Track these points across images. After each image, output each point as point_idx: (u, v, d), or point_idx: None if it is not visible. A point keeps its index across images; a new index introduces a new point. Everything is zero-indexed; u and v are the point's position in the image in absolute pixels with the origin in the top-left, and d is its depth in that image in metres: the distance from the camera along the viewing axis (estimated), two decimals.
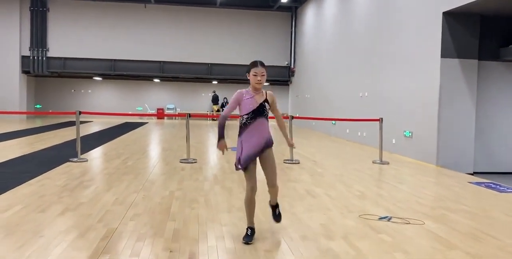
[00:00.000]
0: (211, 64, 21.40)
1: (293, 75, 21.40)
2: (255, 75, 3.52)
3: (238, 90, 3.60)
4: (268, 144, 3.59)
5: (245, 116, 3.51)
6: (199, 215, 4.36)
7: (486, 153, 8.68)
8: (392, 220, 4.34)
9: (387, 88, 10.46)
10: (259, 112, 3.53)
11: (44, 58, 20.36)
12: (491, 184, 6.49)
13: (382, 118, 8.64)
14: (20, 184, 5.61)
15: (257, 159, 3.59)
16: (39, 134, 12.92)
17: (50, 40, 20.62)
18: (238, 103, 3.54)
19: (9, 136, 11.97)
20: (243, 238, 3.53)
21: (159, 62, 21.10)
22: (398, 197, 5.45)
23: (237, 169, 3.61)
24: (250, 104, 3.51)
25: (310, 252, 3.36)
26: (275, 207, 3.83)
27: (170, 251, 3.31)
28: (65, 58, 20.64)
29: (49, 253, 3.18)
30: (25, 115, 21.39)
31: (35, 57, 20.26)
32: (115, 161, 7.92)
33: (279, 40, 22.00)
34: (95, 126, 17.28)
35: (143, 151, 9.48)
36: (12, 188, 5.38)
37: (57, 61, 20.62)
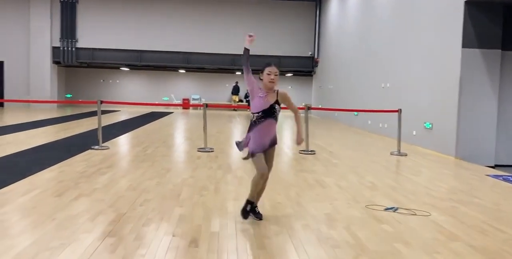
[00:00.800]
0: (234, 55, 21.45)
1: (316, 66, 21.22)
2: (269, 74, 3.67)
3: (256, 81, 3.77)
4: (273, 143, 3.82)
5: (256, 115, 3.70)
6: (206, 202, 4.47)
7: (509, 145, 8.45)
8: (399, 211, 4.32)
9: (408, 79, 10.28)
10: (269, 113, 3.69)
11: (73, 49, 20.91)
12: (509, 177, 6.34)
13: (400, 109, 8.52)
14: (42, 170, 5.86)
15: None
16: (66, 123, 13.36)
17: (79, 31, 21.13)
18: (252, 89, 3.73)
19: (39, 124, 12.43)
20: (257, 215, 3.81)
21: (184, 53, 21.32)
22: (410, 188, 5.41)
23: (245, 158, 3.85)
24: (262, 103, 3.67)
25: (309, 240, 3.41)
26: (250, 203, 3.87)
27: (173, 236, 3.42)
28: (94, 49, 21.13)
29: (59, 235, 3.35)
30: (55, 104, 22.09)
31: (65, 48, 20.84)
32: (135, 149, 8.14)
33: (303, 30, 21.81)
34: (122, 115, 17.70)
35: (164, 140, 9.69)
36: (34, 173, 5.64)
37: (86, 51, 21.14)
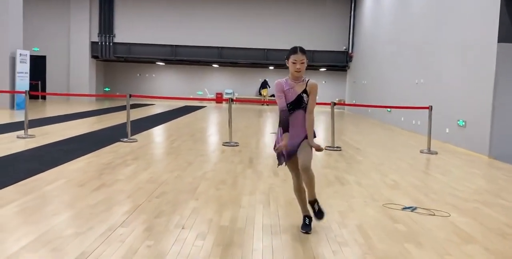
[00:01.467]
0: (267, 49, 21.42)
1: (351, 60, 20.86)
2: (294, 63, 3.33)
3: (277, 81, 3.47)
4: (304, 136, 3.47)
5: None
6: (222, 196, 4.51)
7: None
8: (417, 210, 4.21)
9: (442, 75, 9.93)
10: (297, 104, 3.39)
11: (111, 44, 21.49)
12: None
13: (431, 106, 8.26)
14: (70, 161, 6.08)
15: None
16: (101, 115, 13.79)
17: (116, 26, 21.69)
18: (284, 93, 3.40)
19: (76, 117, 12.90)
20: (302, 228, 3.44)
21: (218, 47, 21.48)
22: (433, 188, 5.25)
23: (280, 164, 3.61)
24: (289, 95, 3.39)
25: (317, 238, 3.38)
26: (313, 202, 3.52)
27: (182, 228, 3.48)
28: (130, 44, 21.63)
29: (74, 224, 3.48)
30: (94, 97, 22.81)
31: (103, 43, 21.45)
32: (162, 142, 8.31)
33: (337, 24, 21.45)
34: (156, 108, 18.08)
35: (192, 134, 9.82)
36: (62, 163, 5.86)
37: (123, 46, 21.68)
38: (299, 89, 3.38)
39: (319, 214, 3.50)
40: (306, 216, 3.52)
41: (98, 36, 21.46)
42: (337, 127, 12.74)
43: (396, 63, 13.62)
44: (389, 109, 13.91)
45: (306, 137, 3.43)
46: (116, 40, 21.61)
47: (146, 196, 4.40)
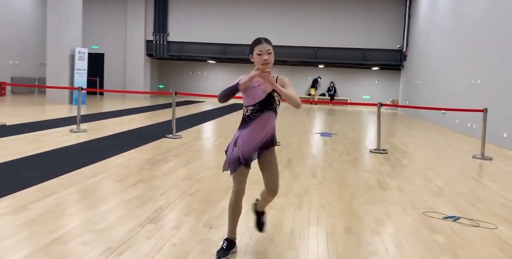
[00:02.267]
0: (317, 47, 21.10)
1: (405, 60, 20.08)
2: (259, 55, 2.80)
3: (242, 75, 2.93)
4: (270, 143, 2.96)
5: (250, 108, 2.87)
6: (254, 196, 4.44)
7: None
8: (460, 221, 3.94)
9: (499, 76, 9.29)
10: (267, 104, 2.85)
11: (165, 42, 22.09)
12: None
13: (486, 109, 7.74)
14: (114, 155, 6.28)
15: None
16: (153, 111, 14.20)
17: (170, 25, 22.25)
18: (247, 89, 2.86)
19: (128, 112, 13.36)
20: (217, 252, 2.89)
21: None
22: (482, 197, 4.91)
23: (224, 170, 3.01)
24: (257, 94, 2.85)
25: (346, 245, 3.24)
26: (261, 213, 3.26)
27: (210, 228, 3.47)
28: (183, 43, 22.12)
29: (106, 219, 3.57)
30: (148, 94, 23.56)
31: (157, 42, 22.09)
32: (206, 140, 8.40)
33: (391, 21, 20.71)
34: (205, 106, 18.37)
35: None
36: (106, 158, 6.06)
37: (176, 45, 22.21)
38: (268, 87, 2.83)
39: (262, 226, 3.23)
40: (227, 240, 2.97)
41: (153, 35, 22.13)
42: (387, 129, 12.35)
43: (451, 63, 12.93)
44: (443, 111, 13.25)
45: (268, 145, 2.95)
46: (169, 39, 22.18)
47: (180, 193, 4.44)
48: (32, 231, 3.20)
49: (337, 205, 4.28)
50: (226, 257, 2.88)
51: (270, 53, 2.84)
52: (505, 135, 8.82)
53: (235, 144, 2.92)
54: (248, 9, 21.82)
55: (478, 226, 3.82)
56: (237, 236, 3.07)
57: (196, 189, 4.62)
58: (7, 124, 9.01)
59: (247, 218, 3.69)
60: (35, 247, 2.91)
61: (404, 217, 3.99)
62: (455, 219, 3.98)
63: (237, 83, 2.81)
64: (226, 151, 2.99)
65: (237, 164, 2.89)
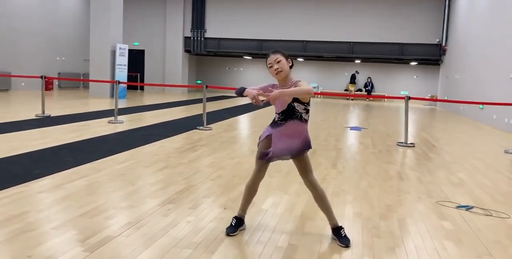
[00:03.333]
0: (353, 42, 20.89)
1: (444, 54, 19.54)
2: (270, 67, 2.98)
3: (266, 83, 3.14)
4: (302, 149, 3.06)
5: (277, 116, 3.06)
6: (272, 183, 4.65)
7: None
8: (473, 210, 3.97)
9: None
10: (289, 114, 2.99)
11: (202, 39, 22.57)
12: None
13: None
14: (146, 144, 6.64)
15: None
16: (189, 105, 14.64)
17: (207, 22, 22.70)
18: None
19: (165, 106, 13.86)
20: (226, 229, 3.12)
21: (302, 41, 21.47)
22: (503, 189, 4.87)
23: (261, 158, 3.11)
24: (279, 104, 3.01)
25: (353, 227, 3.37)
26: (337, 229, 3.08)
27: (224, 208, 3.69)
28: (220, 39, 22.52)
29: (131, 198, 3.87)
30: (187, 88, 24.19)
31: (195, 38, 22.60)
32: (234, 132, 8.65)
33: (430, 15, 20.18)
34: (240, 100, 18.66)
35: (265, 125, 10.04)
36: (138, 146, 6.43)
37: (213, 41, 22.63)
38: (288, 97, 2.93)
39: (345, 240, 3.01)
40: (236, 218, 3.17)
41: (191, 31, 22.66)
42: (422, 123, 12.18)
43: (490, 57, 12.54)
44: (481, 106, 12.89)
45: (300, 151, 3.06)
46: (207, 35, 22.64)
47: (202, 178, 4.69)
48: (63, 206, 3.54)
49: (351, 193, 4.39)
50: (234, 233, 3.10)
51: (280, 61, 2.96)
52: None
53: (267, 138, 3.08)
54: (283, 5, 21.90)
55: (491, 215, 3.84)
56: (248, 216, 3.27)
57: (217, 175, 4.86)
58: (51, 116, 9.63)
59: (261, 200, 3.89)
60: (64, 220, 3.23)
61: (417, 205, 4.06)
62: (468, 208, 4.01)
63: (244, 89, 2.98)
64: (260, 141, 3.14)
65: (264, 156, 3.07)
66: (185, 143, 6.91)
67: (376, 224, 3.48)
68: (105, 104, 13.52)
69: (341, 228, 3.08)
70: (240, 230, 3.17)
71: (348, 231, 3.25)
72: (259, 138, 3.18)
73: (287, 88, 2.93)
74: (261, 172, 3.17)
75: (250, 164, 5.52)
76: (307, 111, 3.02)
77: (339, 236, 3.03)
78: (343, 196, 4.26)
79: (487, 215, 3.86)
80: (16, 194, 3.82)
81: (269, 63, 3.00)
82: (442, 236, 3.27)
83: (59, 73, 19.66)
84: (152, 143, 6.77)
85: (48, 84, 18.51)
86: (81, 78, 20.69)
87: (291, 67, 3.04)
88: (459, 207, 4.04)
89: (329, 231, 3.18)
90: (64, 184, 4.21)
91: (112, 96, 16.12)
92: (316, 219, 3.53)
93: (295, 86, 2.95)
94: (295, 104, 2.97)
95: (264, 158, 3.09)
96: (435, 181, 5.11)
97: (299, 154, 3.06)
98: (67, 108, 11.60)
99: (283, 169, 5.33)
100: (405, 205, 4.06)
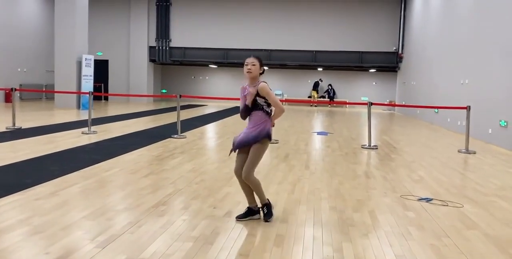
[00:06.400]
0: (315, 51, 21.71)
1: (401, 61, 20.68)
2: (246, 65, 3.61)
3: (241, 86, 3.78)
4: (258, 136, 3.61)
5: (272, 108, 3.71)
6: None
7: None
8: (432, 202, 4.51)
9: (486, 75, 9.87)
10: (254, 106, 3.62)
11: (167, 48, 22.75)
12: None
13: (469, 106, 8.32)
14: (125, 153, 6.88)
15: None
16: (157, 115, 14.81)
17: (172, 31, 22.93)
18: (244, 96, 3.69)
19: (133, 116, 13.98)
20: (264, 216, 3.70)
21: (267, 50, 22.09)
22: (457, 183, 5.47)
23: (231, 152, 3.80)
24: (248, 98, 3.64)
25: (329, 219, 3.82)
26: (264, 206, 3.73)
27: (214, 208, 4.05)
28: (185, 48, 22.78)
29: (124, 202, 4.16)
30: (152, 98, 24.22)
31: (160, 47, 22.75)
32: (208, 139, 8.99)
33: (387, 24, 21.33)
34: (207, 109, 18.98)
35: (236, 132, 10.42)
36: (119, 155, 6.66)
37: (178, 50, 22.86)
38: (253, 92, 3.59)
39: (267, 215, 3.68)
40: (248, 208, 3.73)
41: (156, 41, 22.80)
42: (382, 127, 12.92)
43: (444, 64, 13.52)
44: (436, 110, 13.82)
45: (256, 139, 3.61)
46: (172, 44, 22.84)
47: (187, 182, 5.03)
48: (64, 210, 3.79)
49: (325, 190, 4.86)
50: (241, 219, 3.67)
51: (254, 65, 3.61)
52: (490, 131, 9.38)
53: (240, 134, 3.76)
54: (248, 14, 22.48)
55: (447, 206, 4.39)
56: (243, 209, 3.66)
57: (201, 179, 5.21)
58: (22, 128, 9.63)
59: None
60: (68, 222, 3.50)
61: (383, 199, 4.57)
62: (428, 200, 4.55)
63: (245, 104, 3.66)
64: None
65: (239, 146, 3.72)
66: (163, 151, 7.19)
67: (349, 215, 3.94)
68: (73, 115, 13.50)
69: (267, 204, 3.73)
70: (248, 219, 3.69)
71: (326, 222, 3.70)
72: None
73: (254, 87, 3.61)
74: (235, 163, 3.74)
75: (229, 168, 5.89)
76: (269, 105, 3.65)
77: (263, 212, 3.72)
78: (318, 194, 4.71)
79: (444, 205, 4.41)
80: (15, 201, 4.02)
81: (246, 63, 3.63)
82: (407, 223, 3.77)
83: (20, 85, 19.28)
84: (131, 152, 7.01)
85: (8, 96, 18.15)
86: (44, 89, 20.37)
87: (261, 73, 3.69)
88: (420, 199, 4.58)
89: (309, 223, 3.61)
90: (58, 191, 4.43)
91: (79, 107, 16.06)
92: (297, 213, 3.95)
93: (259, 85, 3.60)
94: (257, 98, 3.62)
95: (232, 149, 3.75)
96: (398, 178, 5.66)
97: (255, 140, 3.62)
98: (36, 120, 11.55)
99: (261, 172, 5.73)
100: (373, 199, 4.56)
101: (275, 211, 3.97)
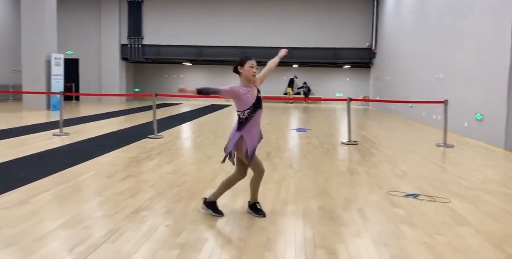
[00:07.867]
0: (291, 47, 21.63)
1: (374, 57, 20.86)
2: (251, 67, 3.62)
3: (233, 86, 3.65)
4: (261, 136, 3.89)
5: (246, 111, 3.62)
6: (237, 185, 4.86)
7: None
8: (419, 197, 4.46)
9: (460, 70, 9.99)
10: (258, 104, 3.68)
11: (140, 46, 22.26)
12: None
13: (447, 100, 8.38)
14: (101, 155, 6.59)
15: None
16: (131, 114, 14.43)
17: (144, 29, 22.44)
18: (236, 98, 3.61)
19: (106, 116, 13.57)
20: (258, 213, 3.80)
21: (241, 47, 21.89)
22: (440, 178, 5.46)
23: (247, 161, 3.71)
24: (249, 99, 3.62)
25: (319, 218, 3.70)
26: (255, 204, 3.87)
27: (198, 211, 3.87)
28: (158, 46, 22.33)
29: (102, 208, 3.93)
30: (124, 97, 23.68)
31: (132, 45, 22.24)
32: (186, 139, 8.76)
33: (360, 21, 21.48)
34: (183, 108, 18.66)
35: (214, 131, 10.25)
36: (94, 157, 6.37)
37: (151, 48, 22.40)
38: (254, 91, 3.68)
39: (261, 212, 3.79)
40: (256, 203, 3.87)
41: (128, 38, 22.27)
42: (359, 123, 12.96)
43: (418, 59, 13.66)
44: (411, 105, 13.96)
45: (261, 138, 3.89)
46: (144, 42, 22.36)
47: (167, 185, 4.82)
48: (36, 220, 3.54)
49: (311, 189, 4.74)
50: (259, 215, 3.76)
51: (257, 68, 3.70)
52: (466, 124, 9.50)
53: (238, 142, 3.69)
54: (222, 11, 22.21)
55: (434, 201, 4.34)
56: (228, 211, 3.49)
57: (182, 181, 5.01)
58: None
59: (231, 201, 4.11)
60: (42, 233, 3.25)
61: (371, 196, 4.49)
62: (414, 196, 4.50)
63: (219, 90, 3.59)
64: (226, 149, 3.80)
65: (254, 153, 3.72)
66: (140, 152, 6.94)
67: (339, 215, 3.83)
68: (42, 116, 13.00)
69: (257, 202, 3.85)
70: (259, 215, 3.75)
71: (317, 222, 3.58)
72: (227, 149, 3.77)
73: (253, 88, 3.71)
74: (259, 166, 3.82)
75: (211, 169, 5.72)
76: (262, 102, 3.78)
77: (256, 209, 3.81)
78: (305, 192, 4.59)
79: (431, 200, 4.36)
80: None
81: (252, 64, 3.66)
82: (398, 221, 3.69)
83: None
84: (107, 154, 6.73)
85: None
86: (11, 89, 19.60)
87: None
88: (407, 195, 4.52)
89: (299, 225, 3.48)
90: (28, 199, 4.16)
91: (48, 108, 15.49)
92: (286, 214, 3.82)
93: (257, 85, 3.79)
94: (260, 95, 3.73)
95: (249, 156, 3.68)
96: (382, 174, 5.61)
97: (260, 139, 3.88)
98: (3, 122, 11.04)
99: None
100: (361, 196, 4.47)
101: (264, 210, 3.83)
